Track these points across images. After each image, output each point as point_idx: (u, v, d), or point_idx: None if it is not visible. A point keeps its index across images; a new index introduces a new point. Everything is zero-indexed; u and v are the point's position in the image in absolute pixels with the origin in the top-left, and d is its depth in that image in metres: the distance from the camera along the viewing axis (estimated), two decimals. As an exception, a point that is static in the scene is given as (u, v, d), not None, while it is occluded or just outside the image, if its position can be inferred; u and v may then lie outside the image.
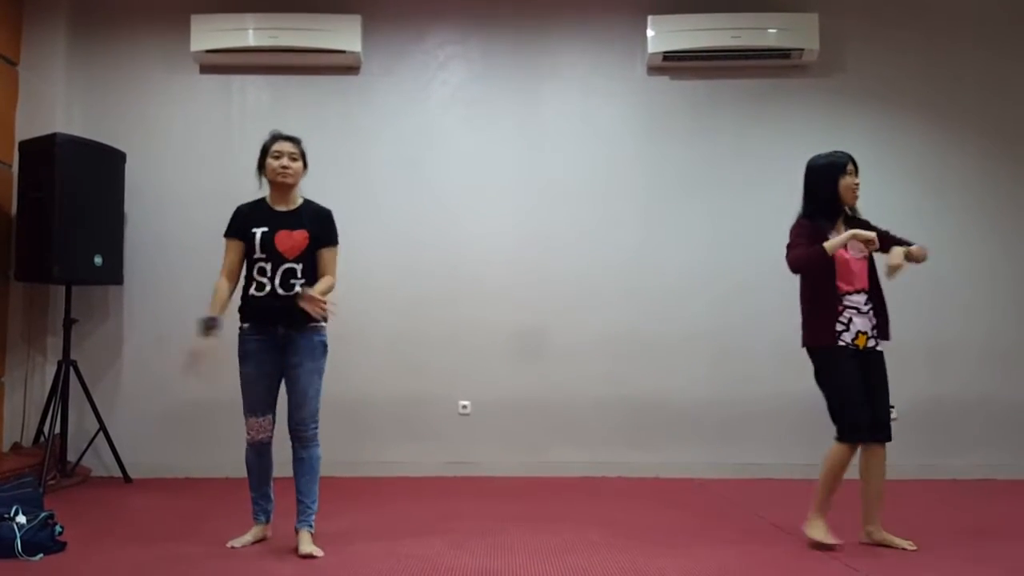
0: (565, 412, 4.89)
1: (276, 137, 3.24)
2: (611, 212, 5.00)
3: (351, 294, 4.92)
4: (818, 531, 3.18)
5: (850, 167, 3.30)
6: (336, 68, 5.00)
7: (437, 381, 4.90)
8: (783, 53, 4.86)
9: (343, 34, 4.82)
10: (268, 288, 3.12)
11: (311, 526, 3.14)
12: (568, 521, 3.65)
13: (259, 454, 3.21)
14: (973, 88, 5.03)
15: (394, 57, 5.07)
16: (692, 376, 4.90)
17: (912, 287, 4.92)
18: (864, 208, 4.93)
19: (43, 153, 4.43)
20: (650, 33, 4.86)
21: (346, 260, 4.75)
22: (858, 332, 3.24)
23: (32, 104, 4.87)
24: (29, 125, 4.76)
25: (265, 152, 3.23)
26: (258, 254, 3.14)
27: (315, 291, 3.05)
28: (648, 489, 4.48)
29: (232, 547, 3.14)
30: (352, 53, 4.85)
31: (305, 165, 3.27)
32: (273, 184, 3.22)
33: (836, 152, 3.34)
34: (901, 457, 4.79)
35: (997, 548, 3.18)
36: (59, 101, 4.90)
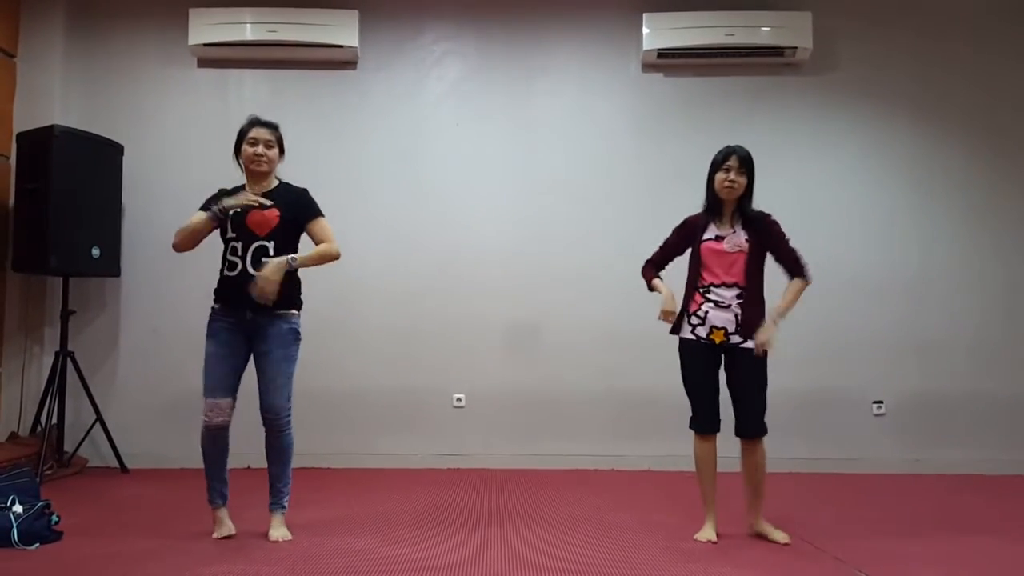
0: (558, 405, 4.94)
1: (253, 123, 3.22)
2: (604, 208, 5.03)
3: (346, 287, 4.99)
4: (704, 529, 3.25)
5: (729, 163, 3.15)
6: (333, 63, 5.02)
7: (432, 374, 4.95)
8: (776, 51, 4.90)
9: (341, 29, 4.84)
10: (239, 267, 3.08)
11: (284, 508, 3.18)
12: (560, 513, 3.70)
13: (214, 439, 3.09)
14: (964, 87, 5.07)
15: (390, 52, 5.10)
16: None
17: (899, 284, 5.01)
18: (855, 205, 5.03)
19: (41, 145, 4.45)
20: (645, 30, 4.89)
21: (341, 252, 4.85)
22: (713, 327, 3.19)
23: (30, 96, 4.89)
24: (27, 117, 4.77)
25: (242, 137, 3.22)
26: (230, 233, 3.14)
27: (299, 261, 3.06)
28: (640, 481, 4.52)
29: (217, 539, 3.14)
30: (349, 48, 4.87)
31: (282, 151, 3.26)
32: (248, 170, 3.23)
33: (727, 146, 3.21)
34: (890, 452, 4.90)
35: (984, 543, 3.22)
36: (56, 93, 4.91)
